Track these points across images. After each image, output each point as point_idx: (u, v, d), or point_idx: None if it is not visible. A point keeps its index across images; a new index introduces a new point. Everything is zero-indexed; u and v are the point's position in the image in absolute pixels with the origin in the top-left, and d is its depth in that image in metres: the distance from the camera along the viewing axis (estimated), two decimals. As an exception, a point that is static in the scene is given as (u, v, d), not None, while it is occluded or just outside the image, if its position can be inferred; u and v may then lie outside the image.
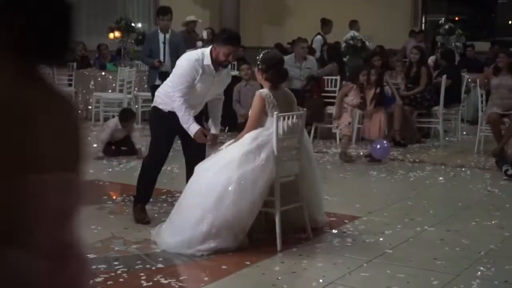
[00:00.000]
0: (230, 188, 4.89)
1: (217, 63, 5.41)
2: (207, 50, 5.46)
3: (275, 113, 5.02)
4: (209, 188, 4.97)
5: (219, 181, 4.94)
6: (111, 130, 8.84)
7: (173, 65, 8.97)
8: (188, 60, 5.45)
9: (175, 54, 9.17)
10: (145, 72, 13.00)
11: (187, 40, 12.20)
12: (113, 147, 8.88)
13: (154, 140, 5.79)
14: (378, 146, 8.45)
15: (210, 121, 5.78)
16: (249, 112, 5.27)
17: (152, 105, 5.80)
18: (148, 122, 6.08)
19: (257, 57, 5.33)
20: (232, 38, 5.43)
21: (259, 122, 5.15)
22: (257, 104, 5.15)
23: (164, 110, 5.58)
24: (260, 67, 5.28)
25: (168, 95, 5.50)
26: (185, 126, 5.37)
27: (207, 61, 5.40)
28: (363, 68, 8.90)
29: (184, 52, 9.37)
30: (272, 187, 5.03)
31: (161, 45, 9.26)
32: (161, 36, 9.29)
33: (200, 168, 5.19)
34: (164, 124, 5.58)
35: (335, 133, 10.17)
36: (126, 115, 9.03)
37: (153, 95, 6.01)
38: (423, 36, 15.29)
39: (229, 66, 5.67)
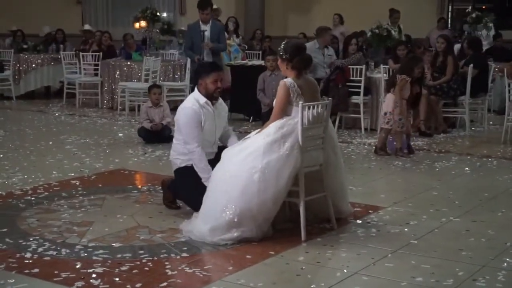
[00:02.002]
0: (254, 178, 4.89)
1: (211, 96, 5.57)
2: (195, 92, 5.64)
3: (300, 102, 5.01)
4: (234, 176, 4.98)
5: (244, 169, 4.95)
6: (145, 108, 9.41)
7: (212, 53, 9.53)
8: (184, 109, 5.60)
9: (216, 38, 9.85)
10: (170, 61, 13.11)
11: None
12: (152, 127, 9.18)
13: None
14: (391, 139, 8.38)
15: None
16: (274, 102, 5.26)
17: (175, 169, 5.75)
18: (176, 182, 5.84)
19: (278, 49, 5.34)
20: (212, 65, 5.76)
21: (284, 111, 5.14)
22: (281, 93, 5.14)
23: (188, 165, 5.60)
24: (284, 57, 5.26)
25: (183, 151, 5.59)
26: (205, 176, 5.40)
27: (202, 99, 5.57)
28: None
29: (224, 40, 9.91)
30: (296, 177, 5.03)
31: (204, 32, 9.81)
32: (202, 27, 9.75)
33: (226, 156, 5.21)
34: (194, 175, 5.53)
35: (360, 123, 10.16)
36: (149, 86, 9.80)
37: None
38: (444, 24, 15.12)
39: (219, 100, 5.78)
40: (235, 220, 4.91)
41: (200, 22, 9.73)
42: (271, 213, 4.99)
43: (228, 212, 4.92)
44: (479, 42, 11.43)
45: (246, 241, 4.94)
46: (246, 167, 4.94)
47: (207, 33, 9.74)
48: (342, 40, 12.42)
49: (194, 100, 5.59)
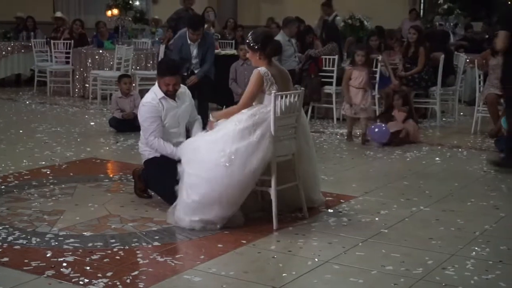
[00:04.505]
0: (221, 161, 4.91)
1: (165, 94, 5.62)
2: (155, 86, 5.69)
3: (273, 92, 5.01)
4: (203, 156, 5.02)
5: (213, 152, 4.97)
6: (115, 98, 9.43)
7: (201, 63, 8.69)
8: (143, 104, 5.69)
9: (204, 54, 8.76)
10: (142, 50, 13.03)
11: (185, 18, 12.16)
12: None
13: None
14: (376, 130, 8.43)
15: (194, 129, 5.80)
16: (246, 89, 5.26)
17: (144, 161, 5.79)
18: (146, 174, 5.84)
19: (247, 40, 5.34)
20: (168, 68, 5.66)
21: (253, 100, 5.16)
22: (254, 82, 5.15)
23: (157, 156, 5.67)
24: (256, 47, 5.26)
25: (147, 144, 5.67)
26: (176, 157, 5.43)
27: (160, 94, 5.63)
28: (357, 48, 8.98)
29: (212, 56, 8.86)
30: (268, 166, 5.04)
31: (191, 49, 8.82)
32: (191, 44, 8.77)
33: (200, 137, 5.31)
34: (162, 165, 5.59)
35: (332, 113, 10.21)
36: (119, 76, 9.80)
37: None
38: (415, 15, 15.23)
39: (183, 89, 5.82)
40: (200, 201, 4.94)
41: (188, 40, 8.70)
42: (236, 199, 4.99)
43: (193, 193, 4.96)
44: (435, 34, 11.56)
45: (212, 229, 4.97)
46: (215, 150, 4.97)
47: (194, 53, 8.77)
48: None
49: (153, 94, 5.66)
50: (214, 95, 9.91)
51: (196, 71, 8.73)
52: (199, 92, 8.46)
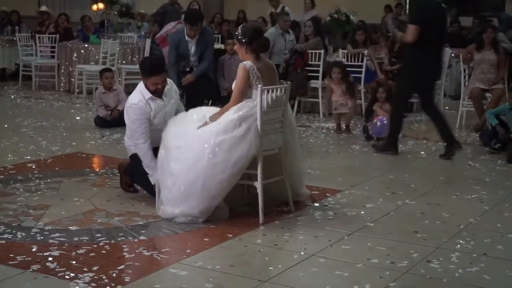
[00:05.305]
0: (205, 152, 4.92)
1: (152, 93, 5.55)
2: (142, 86, 5.60)
3: (259, 86, 5.02)
4: (187, 145, 5.03)
5: (197, 141, 5.00)
6: (98, 94, 9.28)
7: (199, 61, 8.35)
8: (130, 106, 5.58)
9: (203, 51, 8.37)
10: (128, 44, 12.98)
11: (171, 12, 12.16)
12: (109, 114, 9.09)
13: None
14: (379, 124, 8.39)
15: None
16: (233, 85, 5.26)
17: (130, 155, 5.73)
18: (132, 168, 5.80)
19: (236, 33, 5.33)
20: (152, 68, 5.55)
21: (244, 94, 5.15)
22: (241, 76, 5.14)
23: None
24: (243, 40, 5.26)
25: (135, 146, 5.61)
26: (149, 172, 5.43)
27: (147, 94, 5.55)
28: (333, 65, 9.33)
29: (211, 54, 8.43)
30: (254, 160, 5.04)
31: (189, 46, 8.39)
32: (189, 41, 8.34)
33: (179, 121, 5.36)
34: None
35: (318, 107, 10.23)
36: (100, 71, 9.61)
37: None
38: (401, 9, 15.24)
39: (169, 85, 5.73)
40: (183, 190, 4.96)
41: (186, 36, 8.28)
42: (219, 191, 4.99)
43: (178, 182, 4.99)
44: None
45: (194, 222, 4.99)
46: (200, 140, 4.99)
47: (192, 50, 8.34)
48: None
49: (140, 96, 5.57)
50: (216, 93, 9.87)
51: (195, 69, 8.47)
52: (197, 91, 8.24)
